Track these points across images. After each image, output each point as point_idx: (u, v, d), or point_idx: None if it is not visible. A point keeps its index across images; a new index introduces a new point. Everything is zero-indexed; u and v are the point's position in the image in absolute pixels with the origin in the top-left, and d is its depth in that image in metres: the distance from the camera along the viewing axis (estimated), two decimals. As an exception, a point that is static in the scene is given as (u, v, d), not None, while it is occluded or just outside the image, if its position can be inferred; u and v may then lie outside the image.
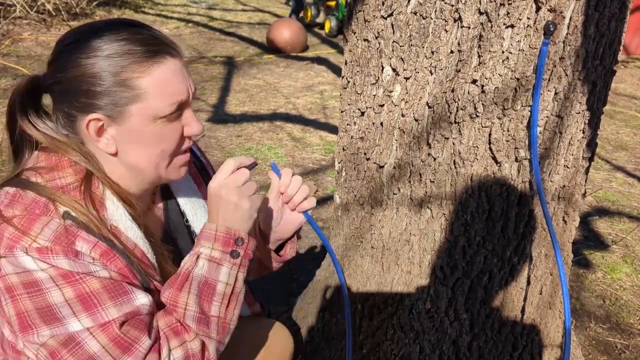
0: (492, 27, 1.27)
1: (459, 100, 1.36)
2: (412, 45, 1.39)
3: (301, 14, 9.91)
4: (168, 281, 1.10)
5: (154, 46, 0.99)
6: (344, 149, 1.69)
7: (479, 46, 1.30)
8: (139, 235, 1.09)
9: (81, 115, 1.01)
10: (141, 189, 1.15)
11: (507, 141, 1.37)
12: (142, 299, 1.02)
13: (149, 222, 1.23)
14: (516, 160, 1.39)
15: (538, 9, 1.24)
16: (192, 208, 1.32)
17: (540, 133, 1.37)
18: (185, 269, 1.08)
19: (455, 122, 1.39)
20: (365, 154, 1.60)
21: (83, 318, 0.95)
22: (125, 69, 0.97)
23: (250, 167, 1.16)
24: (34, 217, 0.95)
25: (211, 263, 1.08)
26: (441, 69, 1.37)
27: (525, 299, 1.60)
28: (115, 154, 1.06)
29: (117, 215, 1.07)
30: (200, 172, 1.39)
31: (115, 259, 1.01)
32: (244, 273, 1.12)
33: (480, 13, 1.28)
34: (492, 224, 1.46)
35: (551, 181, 1.47)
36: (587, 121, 1.43)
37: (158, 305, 1.12)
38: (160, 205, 1.30)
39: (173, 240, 1.31)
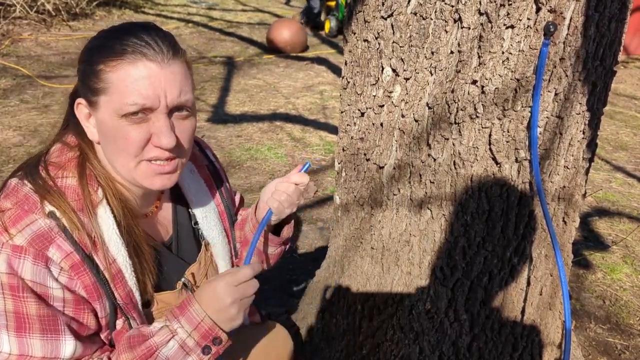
0: (492, 27, 1.27)
1: (459, 100, 1.36)
2: (412, 45, 1.39)
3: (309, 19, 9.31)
4: (132, 337, 1.07)
5: (135, 47, 1.00)
6: (343, 150, 1.69)
7: (479, 47, 1.30)
8: (120, 250, 1.09)
9: (77, 99, 1.09)
10: (132, 185, 1.15)
11: (507, 142, 1.37)
12: (67, 350, 1.03)
13: (148, 225, 1.23)
14: (516, 161, 1.39)
15: (538, 9, 1.24)
16: (202, 211, 1.34)
17: (540, 134, 1.37)
18: (155, 343, 1.05)
19: (455, 123, 1.39)
20: (365, 154, 1.60)
21: (12, 336, 0.99)
22: (102, 62, 1.01)
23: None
24: (22, 213, 0.99)
25: (181, 349, 1.06)
26: (441, 70, 1.37)
27: (525, 300, 1.60)
28: (99, 143, 1.10)
29: (105, 224, 1.08)
30: (213, 176, 1.40)
31: (83, 274, 1.03)
32: None
33: (481, 14, 1.28)
34: (492, 225, 1.46)
35: (551, 182, 1.47)
36: (587, 122, 1.43)
37: (117, 333, 1.12)
38: (167, 207, 1.31)
39: (179, 243, 1.31)
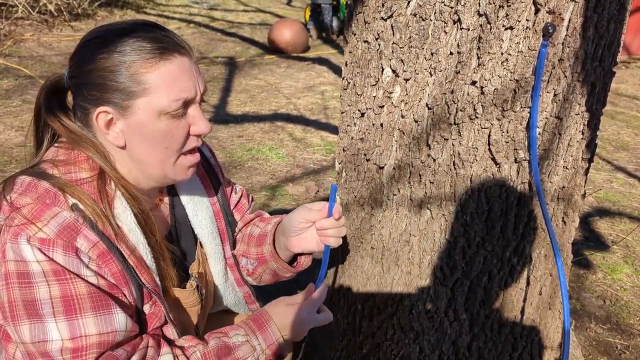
0: (491, 28, 1.28)
1: (458, 101, 1.37)
2: (411, 46, 1.39)
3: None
4: (219, 348, 1.16)
5: (163, 44, 1.02)
6: (344, 150, 1.69)
7: (478, 48, 1.31)
8: (140, 239, 1.11)
9: (93, 108, 1.05)
10: (149, 186, 1.17)
11: (507, 142, 1.37)
12: (120, 321, 1.03)
13: (154, 219, 1.24)
14: (515, 161, 1.39)
15: (537, 10, 1.24)
16: (193, 208, 1.33)
17: (539, 134, 1.37)
18: (239, 355, 1.17)
19: (454, 124, 1.39)
20: (365, 154, 1.60)
21: (61, 321, 0.98)
22: (134, 64, 1.00)
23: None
24: (44, 207, 0.99)
25: (252, 357, 1.18)
26: (441, 71, 1.38)
27: (524, 300, 1.61)
28: (124, 147, 1.09)
29: (123, 216, 1.09)
30: (208, 173, 1.40)
31: (111, 262, 1.03)
32: None
33: (480, 15, 1.28)
34: (491, 225, 1.47)
35: (550, 182, 1.47)
36: (586, 122, 1.43)
37: (148, 317, 1.14)
38: (167, 202, 1.32)
39: (177, 238, 1.32)
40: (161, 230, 1.27)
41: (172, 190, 1.33)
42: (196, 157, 1.15)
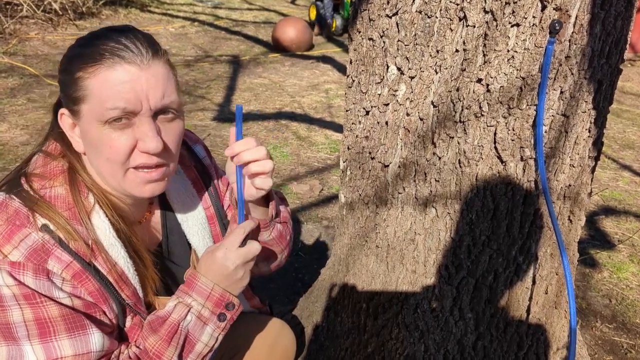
0: (497, 26, 1.27)
1: (464, 99, 1.36)
2: (417, 44, 1.39)
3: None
4: (152, 322, 1.10)
5: (112, 50, 0.98)
6: (348, 148, 1.69)
7: (484, 45, 1.30)
8: (120, 253, 1.08)
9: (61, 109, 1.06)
10: (121, 195, 1.12)
11: (513, 140, 1.36)
12: (97, 342, 1.02)
13: (141, 232, 1.21)
14: (521, 159, 1.38)
15: (544, 7, 1.23)
16: (184, 214, 1.29)
17: (545, 132, 1.37)
18: (175, 319, 1.09)
19: (460, 121, 1.39)
20: (370, 153, 1.60)
21: (36, 344, 0.97)
22: (81, 69, 0.98)
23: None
24: (14, 229, 0.97)
25: (198, 320, 1.10)
26: (446, 68, 1.37)
27: (530, 299, 1.60)
28: (85, 154, 1.08)
29: (102, 230, 1.06)
30: (202, 175, 1.34)
31: (86, 281, 1.02)
32: (223, 336, 1.14)
33: (486, 12, 1.28)
34: (497, 223, 1.46)
35: (557, 180, 1.46)
36: (593, 120, 1.42)
37: (129, 329, 1.13)
38: (158, 213, 1.28)
39: (168, 249, 1.29)
40: (153, 241, 1.25)
41: (163, 200, 1.28)
42: (152, 175, 1.05)
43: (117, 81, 0.97)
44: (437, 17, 1.34)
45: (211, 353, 1.14)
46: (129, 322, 1.12)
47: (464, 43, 1.32)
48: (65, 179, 1.06)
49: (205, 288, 1.11)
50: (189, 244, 1.31)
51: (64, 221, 1.01)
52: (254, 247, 1.14)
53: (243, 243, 1.14)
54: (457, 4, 1.30)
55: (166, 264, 1.28)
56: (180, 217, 1.28)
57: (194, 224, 1.29)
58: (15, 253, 0.95)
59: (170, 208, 1.28)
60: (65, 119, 1.05)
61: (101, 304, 1.04)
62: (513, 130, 1.35)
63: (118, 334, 1.12)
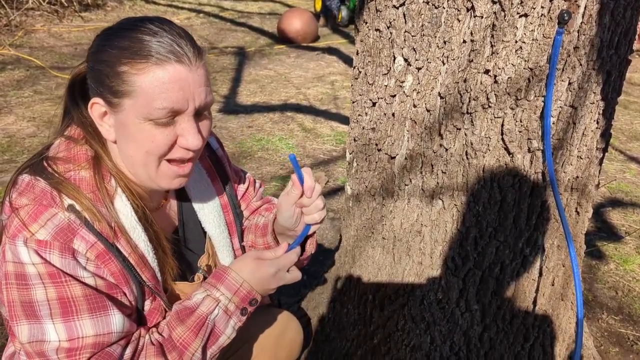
0: (505, 16, 1.26)
1: (471, 90, 1.36)
2: (424, 35, 1.38)
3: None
4: (179, 312, 1.14)
5: (161, 49, 0.98)
6: (355, 140, 1.69)
7: (492, 36, 1.29)
8: (141, 237, 1.10)
9: (91, 97, 1.06)
10: (146, 185, 1.14)
11: (520, 132, 1.36)
12: (117, 322, 1.04)
13: (158, 219, 1.24)
14: (529, 151, 1.38)
15: (552, -3, 1.22)
16: (200, 202, 1.32)
17: (553, 123, 1.36)
18: (203, 312, 1.13)
19: (467, 113, 1.38)
20: (376, 144, 1.59)
21: (58, 323, 0.99)
22: (127, 63, 0.98)
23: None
24: (40, 209, 0.99)
25: (224, 314, 1.15)
26: (453, 59, 1.36)
27: (537, 290, 1.60)
28: (115, 142, 1.09)
29: (124, 213, 1.08)
30: (215, 165, 1.38)
31: (110, 262, 1.04)
32: (241, 327, 1.19)
33: (493, 2, 1.27)
34: (504, 215, 1.46)
35: (564, 172, 1.46)
36: (601, 111, 1.41)
37: (149, 313, 1.15)
38: (174, 201, 1.31)
39: (184, 236, 1.32)
40: (169, 228, 1.27)
41: (179, 191, 1.31)
42: (184, 169, 1.10)
43: (166, 80, 0.98)
44: (444, 8, 1.33)
45: (228, 343, 1.18)
46: (147, 305, 1.14)
47: (471, 34, 1.32)
48: (90, 164, 1.07)
49: (234, 283, 1.16)
50: (204, 231, 1.34)
51: (88, 202, 1.03)
52: (296, 276, 1.24)
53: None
54: (465, -5, 1.29)
55: (182, 251, 1.29)
56: (196, 205, 1.32)
57: (210, 211, 1.33)
58: (42, 232, 0.97)
59: (185, 196, 1.31)
60: (97, 107, 1.05)
61: (122, 285, 1.06)
62: (521, 121, 1.35)
63: (137, 317, 1.13)
